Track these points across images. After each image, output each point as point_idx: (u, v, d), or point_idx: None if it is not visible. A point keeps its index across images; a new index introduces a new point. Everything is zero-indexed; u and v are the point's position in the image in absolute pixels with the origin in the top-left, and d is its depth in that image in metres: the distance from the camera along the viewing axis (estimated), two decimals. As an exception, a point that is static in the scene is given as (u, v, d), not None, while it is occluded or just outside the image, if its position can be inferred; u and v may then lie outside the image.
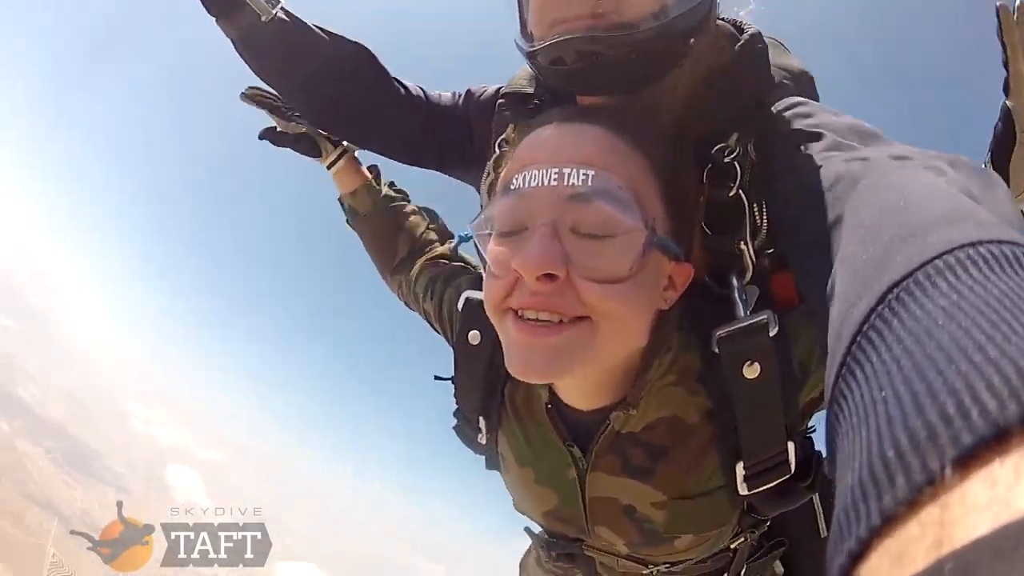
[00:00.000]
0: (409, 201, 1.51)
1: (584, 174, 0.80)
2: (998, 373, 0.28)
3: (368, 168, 1.53)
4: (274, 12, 1.26)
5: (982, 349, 0.30)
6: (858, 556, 0.28)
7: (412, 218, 1.46)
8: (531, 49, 1.00)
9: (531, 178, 0.82)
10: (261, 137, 1.50)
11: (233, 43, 1.30)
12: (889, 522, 0.27)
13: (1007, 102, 1.01)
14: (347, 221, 1.53)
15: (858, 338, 0.42)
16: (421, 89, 1.40)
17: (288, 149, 1.51)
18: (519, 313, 0.82)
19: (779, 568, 1.30)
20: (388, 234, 1.45)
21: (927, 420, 0.29)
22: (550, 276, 0.78)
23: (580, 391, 0.98)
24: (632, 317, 0.84)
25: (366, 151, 1.51)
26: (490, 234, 0.87)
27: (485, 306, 0.88)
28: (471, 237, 0.91)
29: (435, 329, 1.27)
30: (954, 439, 0.27)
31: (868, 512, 0.28)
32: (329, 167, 1.52)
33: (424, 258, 1.35)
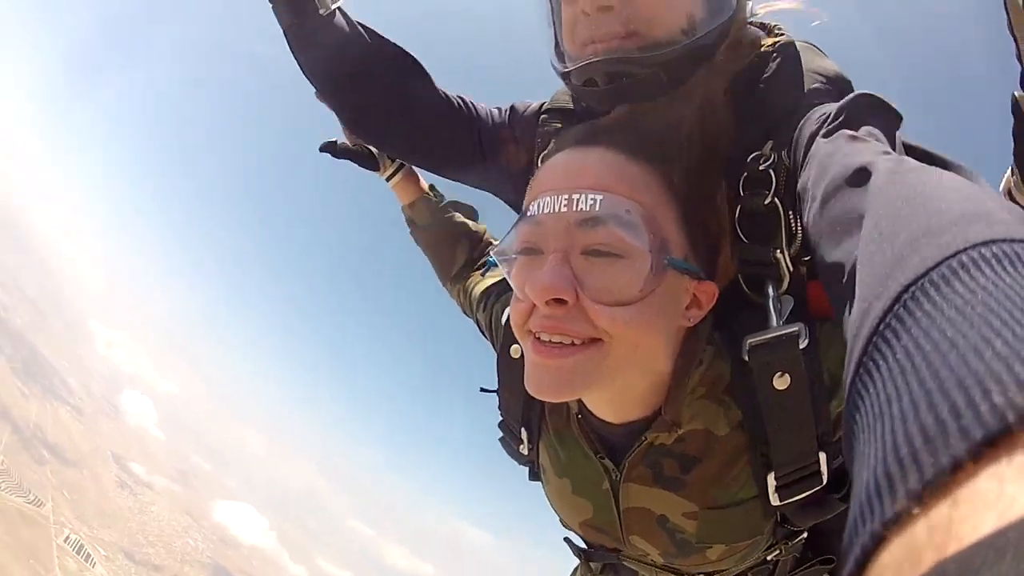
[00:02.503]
0: (468, 210, 1.60)
1: (592, 199, 0.81)
2: (1008, 371, 0.28)
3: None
4: (333, 7, 1.27)
5: (993, 347, 0.30)
6: (871, 552, 0.28)
7: (470, 229, 1.54)
8: (564, 70, 1.04)
9: (544, 205, 0.85)
10: (322, 150, 1.53)
11: (285, 32, 1.29)
12: (900, 519, 0.27)
13: (1015, 94, 0.99)
14: (409, 232, 1.61)
15: (874, 338, 0.42)
16: (470, 103, 1.41)
17: (347, 161, 1.54)
18: (537, 335, 0.85)
19: None
20: (446, 244, 1.54)
21: (938, 417, 0.29)
22: (559, 301, 0.81)
23: (609, 406, 1.00)
24: (645, 339, 0.85)
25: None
26: (514, 259, 0.90)
27: (512, 327, 0.91)
28: (496, 263, 0.95)
29: (485, 337, 1.32)
30: (963, 435, 0.27)
31: (882, 509, 0.28)
32: (388, 179, 1.60)
33: (482, 271, 1.41)
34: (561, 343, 0.83)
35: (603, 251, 0.82)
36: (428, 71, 1.39)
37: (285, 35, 1.30)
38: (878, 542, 0.28)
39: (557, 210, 0.83)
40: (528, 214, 0.87)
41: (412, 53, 1.37)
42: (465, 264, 1.50)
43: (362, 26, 1.33)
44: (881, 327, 0.42)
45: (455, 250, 1.52)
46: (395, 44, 1.36)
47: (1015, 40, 0.94)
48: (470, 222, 1.57)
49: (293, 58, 1.33)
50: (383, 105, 1.37)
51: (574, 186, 0.84)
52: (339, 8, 1.29)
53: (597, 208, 0.81)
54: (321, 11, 1.25)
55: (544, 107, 1.28)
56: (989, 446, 0.26)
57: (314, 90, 1.38)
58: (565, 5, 1.03)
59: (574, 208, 0.82)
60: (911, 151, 0.82)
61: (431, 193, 1.61)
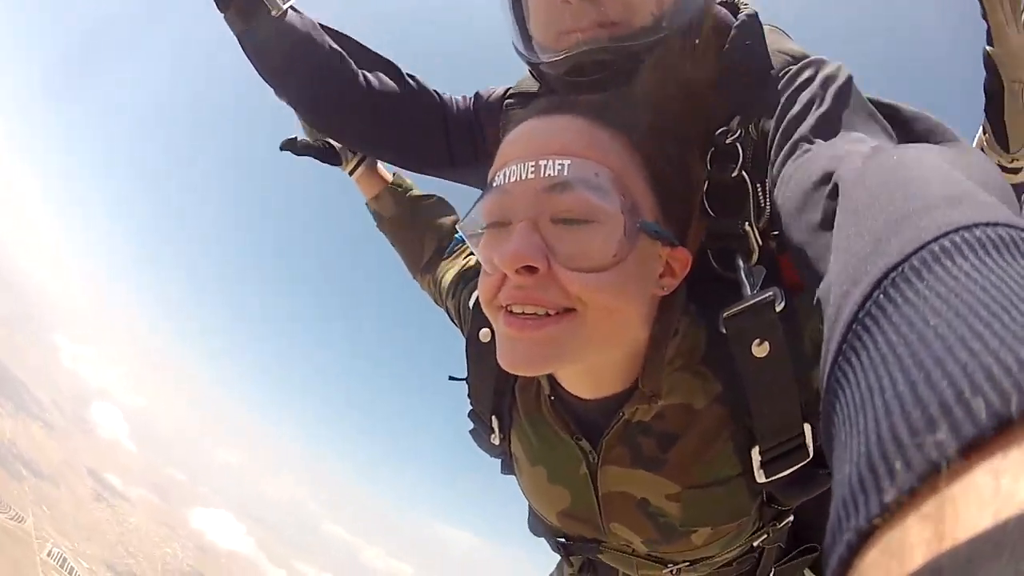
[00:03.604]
0: (436, 199, 1.57)
1: (560, 164, 0.79)
2: (998, 363, 0.28)
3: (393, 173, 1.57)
4: (284, 7, 1.24)
5: (981, 338, 0.30)
6: (857, 548, 0.27)
7: (437, 217, 1.51)
8: (541, 60, 1.01)
9: (511, 173, 0.82)
10: (282, 148, 1.51)
11: (238, 39, 1.27)
12: (888, 514, 0.26)
13: (986, 48, 0.99)
14: (376, 225, 1.58)
15: (853, 326, 0.41)
16: (434, 91, 1.38)
17: (308, 158, 1.52)
18: (508, 308, 0.82)
19: (809, 575, 1.26)
20: (413, 235, 1.51)
21: (927, 411, 0.28)
22: (530, 269, 0.78)
23: (583, 380, 0.97)
24: (620, 306, 0.83)
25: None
26: (481, 232, 0.87)
27: (481, 303, 0.88)
28: (462, 239, 0.92)
29: (456, 325, 1.29)
30: (955, 430, 0.26)
31: (867, 503, 0.28)
32: (351, 173, 1.58)
33: (451, 258, 1.36)
34: (535, 314, 0.80)
35: (573, 217, 0.80)
36: (393, 62, 1.37)
37: (239, 41, 1.27)
38: (864, 538, 0.27)
39: (524, 177, 0.81)
40: (494, 184, 0.85)
41: (372, 47, 1.36)
42: (435, 253, 1.47)
43: (317, 24, 1.32)
44: (860, 314, 0.41)
45: (423, 240, 1.50)
46: (352, 38, 1.36)
47: (987, 26, 0.97)
48: (438, 211, 1.56)
49: (248, 61, 1.30)
50: (341, 99, 1.34)
51: (541, 153, 0.81)
52: (292, 7, 1.27)
53: (565, 173, 0.79)
54: (273, 12, 1.23)
55: (509, 92, 1.27)
56: (982, 441, 0.25)
57: (274, 91, 1.36)
58: None
59: (541, 174, 0.80)
60: (880, 107, 0.82)
61: (396, 183, 1.60)
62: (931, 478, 0.26)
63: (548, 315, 0.80)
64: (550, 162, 0.80)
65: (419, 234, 1.53)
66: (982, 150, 1.07)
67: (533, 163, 0.81)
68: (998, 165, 1.06)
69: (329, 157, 1.57)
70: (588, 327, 0.81)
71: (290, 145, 1.53)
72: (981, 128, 1.08)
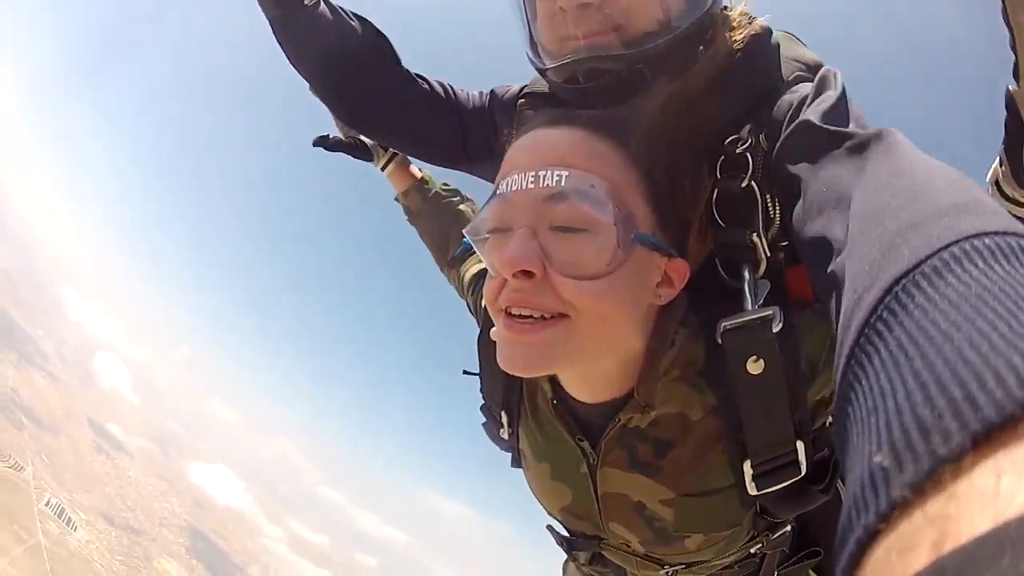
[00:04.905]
0: (462, 197, 1.64)
1: (559, 175, 0.83)
2: (1005, 363, 0.28)
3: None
4: None
5: (989, 340, 0.31)
6: (866, 546, 0.28)
7: (462, 215, 1.58)
8: (543, 67, 1.04)
9: (512, 182, 0.86)
10: (315, 144, 1.56)
11: (270, 23, 1.26)
12: (895, 512, 0.27)
13: (1010, 87, 0.97)
14: (406, 218, 1.66)
15: (866, 330, 0.42)
16: (449, 86, 1.39)
17: (341, 154, 1.58)
18: (507, 310, 0.86)
19: None
20: (440, 230, 1.58)
21: (935, 409, 0.29)
22: (527, 273, 0.82)
23: (583, 384, 0.99)
24: (613, 313, 0.85)
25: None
26: (486, 237, 0.91)
27: (486, 304, 0.92)
28: (470, 243, 0.95)
29: (475, 319, 1.32)
30: (961, 428, 0.27)
31: (877, 501, 0.28)
32: (383, 168, 1.65)
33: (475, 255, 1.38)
34: (531, 316, 0.84)
35: (570, 226, 0.83)
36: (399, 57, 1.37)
37: (271, 26, 1.27)
38: (873, 535, 0.27)
39: (524, 187, 0.85)
40: (497, 192, 0.89)
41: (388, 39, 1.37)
42: (461, 249, 1.51)
43: (348, 12, 1.32)
44: (873, 319, 0.42)
45: (448, 236, 1.55)
46: (379, 31, 1.36)
47: (1009, 28, 0.93)
48: (466, 208, 1.62)
49: (280, 49, 1.30)
50: (375, 95, 1.36)
51: (541, 164, 0.85)
52: None
53: (563, 184, 0.83)
54: (306, 1, 1.23)
55: (523, 91, 1.28)
56: (986, 439, 0.25)
57: (308, 84, 1.37)
58: (539, 1, 1.03)
59: (541, 184, 0.84)
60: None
61: (425, 180, 1.66)
62: (938, 474, 0.26)
63: (544, 318, 0.84)
64: (549, 173, 0.83)
65: (445, 229, 1.57)
66: (997, 183, 1.07)
67: (534, 173, 0.84)
68: (1013, 199, 1.07)
69: (361, 153, 1.63)
70: (580, 333, 0.84)
71: (322, 142, 1.58)
72: (997, 160, 1.07)
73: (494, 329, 1.07)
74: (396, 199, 1.70)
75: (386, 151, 1.64)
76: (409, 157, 1.68)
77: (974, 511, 0.23)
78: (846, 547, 0.29)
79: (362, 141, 1.63)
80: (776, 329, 0.87)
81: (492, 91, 1.39)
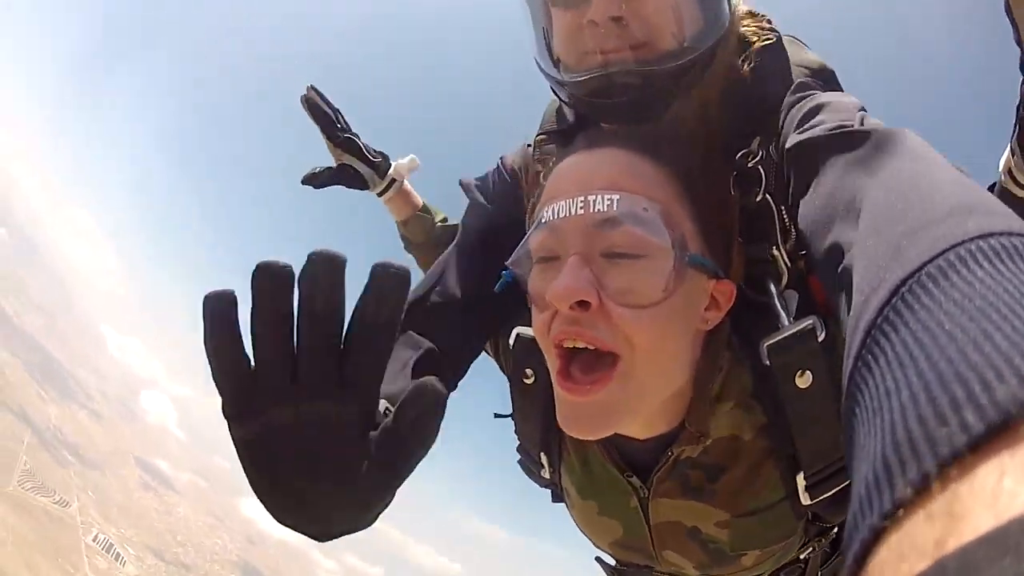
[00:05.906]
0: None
1: (609, 199, 0.78)
2: (1008, 363, 0.28)
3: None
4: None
5: (992, 340, 0.31)
6: (870, 546, 0.27)
7: None
8: (565, 80, 0.99)
9: (559, 209, 0.81)
10: (304, 183, 1.48)
11: None
12: (899, 512, 0.26)
13: None
14: (404, 247, 1.56)
15: (872, 331, 0.42)
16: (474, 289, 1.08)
17: (334, 187, 1.47)
18: (562, 345, 0.81)
19: None
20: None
21: (938, 409, 0.29)
22: (582, 304, 0.77)
23: (633, 423, 0.95)
24: (667, 344, 0.82)
25: (413, 176, 1.53)
26: (530, 270, 0.87)
27: (537, 339, 0.88)
28: (512, 276, 0.90)
29: (493, 359, 1.25)
30: (963, 428, 0.26)
31: (881, 501, 0.28)
32: (380, 195, 1.53)
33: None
34: (586, 349, 0.79)
35: (624, 252, 0.78)
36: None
37: None
38: (877, 536, 0.27)
39: (573, 213, 0.79)
40: (542, 221, 0.83)
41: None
42: None
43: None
44: (879, 320, 0.42)
45: None
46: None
47: (1012, 24, 0.94)
48: None
49: None
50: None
51: (588, 188, 0.80)
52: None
53: (615, 208, 0.78)
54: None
55: (536, 136, 1.20)
56: (989, 439, 0.25)
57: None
58: (561, 12, 0.98)
59: (591, 210, 0.78)
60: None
61: (426, 211, 1.55)
62: (941, 473, 0.26)
63: (600, 374, 0.79)
64: (599, 197, 0.79)
65: None
66: (1010, 171, 1.06)
67: (582, 199, 0.80)
68: (1022, 188, 1.08)
69: (354, 182, 1.49)
70: (637, 376, 0.80)
71: (311, 180, 1.47)
72: (1009, 150, 1.06)
73: (528, 371, 1.06)
74: (397, 227, 1.60)
75: (382, 178, 1.51)
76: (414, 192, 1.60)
77: (977, 510, 0.23)
78: (851, 548, 0.29)
79: (353, 168, 1.49)
80: (821, 339, 0.85)
81: (499, 165, 1.23)
